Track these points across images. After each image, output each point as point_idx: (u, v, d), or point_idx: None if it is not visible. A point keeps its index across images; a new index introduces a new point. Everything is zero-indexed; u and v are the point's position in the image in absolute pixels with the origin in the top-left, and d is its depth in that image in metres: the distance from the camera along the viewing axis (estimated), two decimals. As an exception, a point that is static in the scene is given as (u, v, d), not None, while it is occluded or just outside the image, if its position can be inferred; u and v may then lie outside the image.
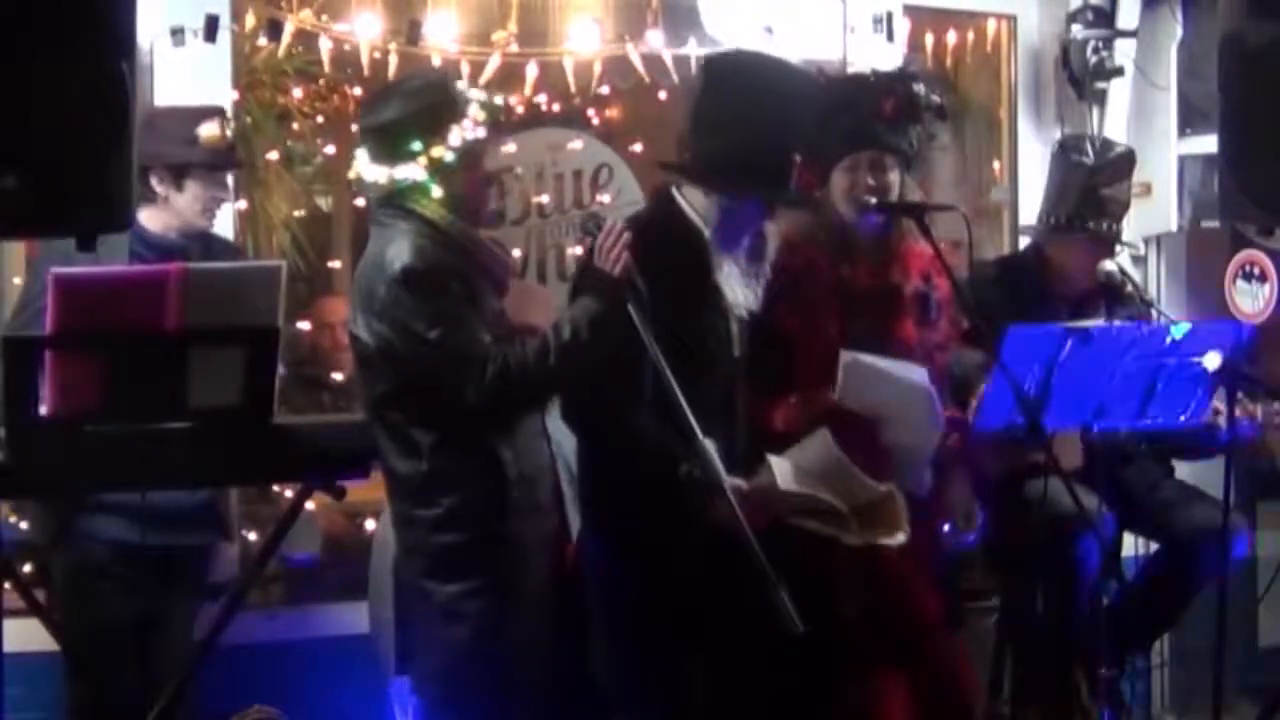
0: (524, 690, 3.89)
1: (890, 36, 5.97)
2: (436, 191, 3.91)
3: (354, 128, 4.23)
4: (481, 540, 3.84)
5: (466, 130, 3.93)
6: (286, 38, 5.53)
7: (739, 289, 4.12)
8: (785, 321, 4.29)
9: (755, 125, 4.01)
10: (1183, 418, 4.54)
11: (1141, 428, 4.61)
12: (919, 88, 4.39)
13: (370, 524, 5.23)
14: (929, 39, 6.65)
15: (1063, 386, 4.24)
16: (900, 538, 4.06)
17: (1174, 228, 6.41)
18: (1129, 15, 6.36)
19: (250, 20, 5.54)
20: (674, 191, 4.15)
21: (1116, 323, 4.67)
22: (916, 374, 4.20)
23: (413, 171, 3.91)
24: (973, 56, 6.72)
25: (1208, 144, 5.97)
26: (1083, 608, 4.86)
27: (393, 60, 5.71)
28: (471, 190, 4.00)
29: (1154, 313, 5.19)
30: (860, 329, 4.30)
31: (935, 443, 4.25)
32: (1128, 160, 5.11)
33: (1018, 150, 6.45)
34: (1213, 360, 4.42)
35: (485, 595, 3.84)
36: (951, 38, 6.68)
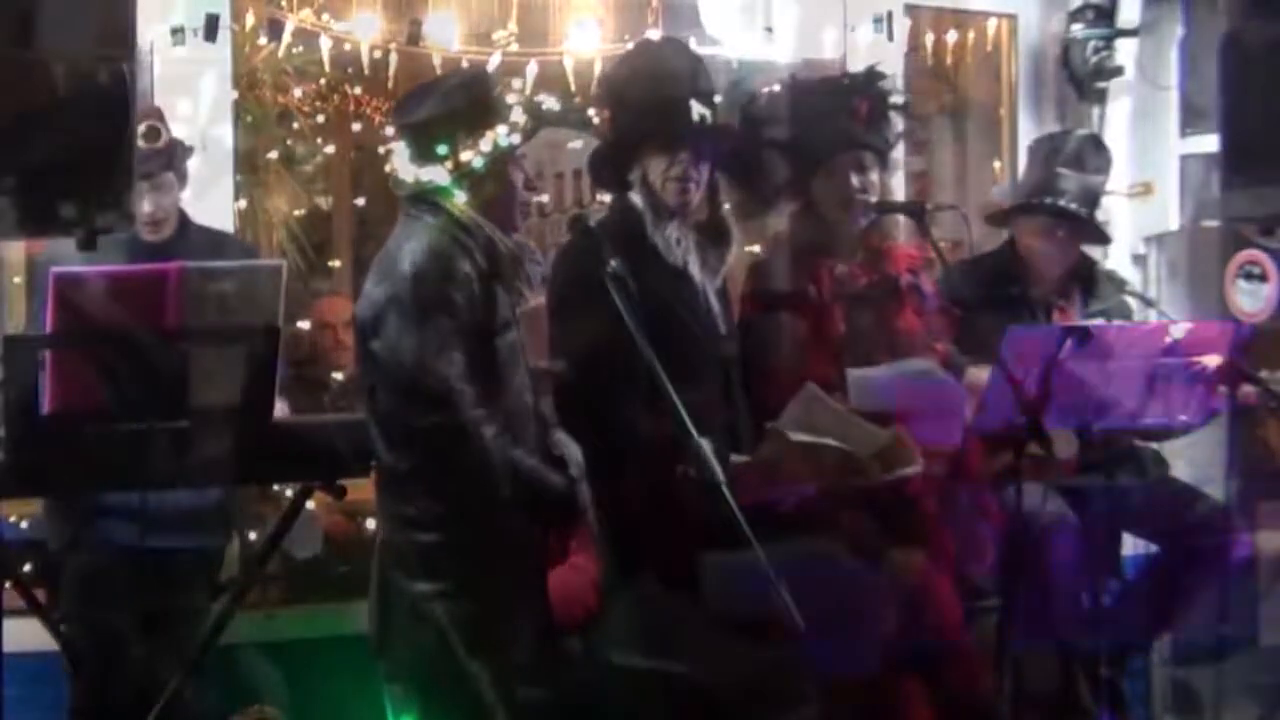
0: (494, 698, 3.87)
1: (890, 36, 5.97)
2: (462, 196, 3.87)
3: (356, 127, 4.22)
4: (452, 544, 3.79)
5: (501, 135, 3.87)
6: (286, 38, 5.54)
7: (698, 268, 4.18)
8: (795, 330, 4.36)
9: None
10: (1183, 417, 4.54)
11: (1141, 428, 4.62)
12: (886, 85, 4.52)
13: (371, 523, 5.23)
14: (929, 38, 6.66)
15: (1062, 386, 4.24)
16: (919, 467, 4.08)
17: (1174, 227, 6.41)
18: (1130, 14, 6.35)
19: (250, 20, 5.54)
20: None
21: (1096, 317, 4.71)
22: (919, 365, 4.23)
23: (439, 174, 3.87)
24: (973, 56, 6.72)
25: (1208, 144, 5.97)
26: (1077, 606, 4.87)
27: (393, 60, 5.71)
28: (506, 196, 3.94)
29: (1153, 312, 5.20)
30: (865, 323, 4.35)
31: (962, 413, 4.26)
32: (1089, 144, 5.06)
33: (1018, 150, 6.44)
34: (1212, 360, 4.43)
35: (452, 600, 3.79)
36: (951, 37, 6.67)
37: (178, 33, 4.81)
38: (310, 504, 4.37)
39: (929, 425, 4.22)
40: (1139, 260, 6.36)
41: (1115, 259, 5.98)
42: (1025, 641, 4.30)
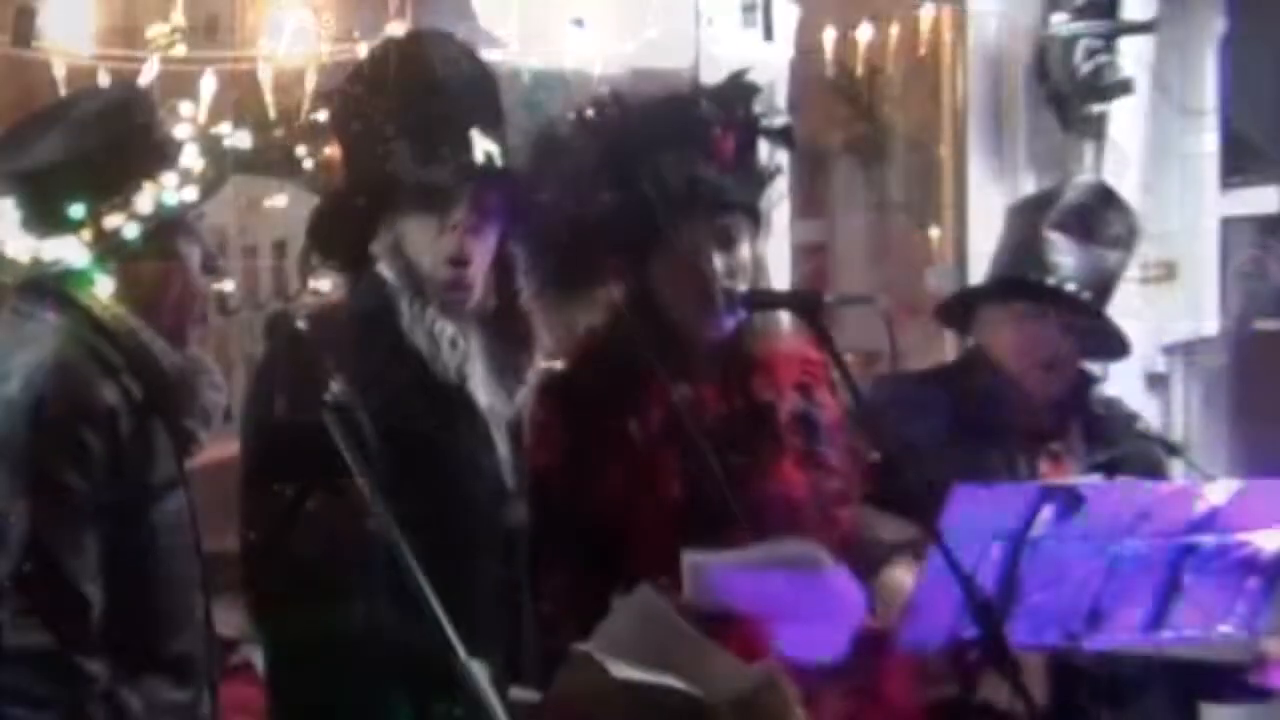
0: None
1: (768, 32, 4.51)
2: (108, 283, 2.80)
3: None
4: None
5: (166, 189, 2.84)
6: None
7: (482, 387, 2.97)
8: (611, 488, 3.07)
9: None
10: (1223, 629, 3.24)
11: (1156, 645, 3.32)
12: (760, 106, 3.15)
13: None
14: (829, 35, 4.94)
15: (1037, 580, 3.01)
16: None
17: (1211, 330, 4.85)
18: (1140, 1, 4.60)
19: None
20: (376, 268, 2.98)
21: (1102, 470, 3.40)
22: (791, 550, 2.95)
23: (71, 249, 2.78)
24: (897, 62, 5.04)
25: (1264, 199, 4.56)
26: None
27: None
28: (173, 283, 2.90)
29: (1174, 460, 3.72)
30: (717, 477, 2.96)
31: (853, 619, 3.02)
32: (1098, 199, 3.49)
33: (966, 207, 4.71)
34: (1273, 539, 3.12)
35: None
36: (865, 34, 4.91)
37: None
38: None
39: (800, 632, 2.94)
40: (1156, 382, 4.81)
41: (1120, 380, 4.06)
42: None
